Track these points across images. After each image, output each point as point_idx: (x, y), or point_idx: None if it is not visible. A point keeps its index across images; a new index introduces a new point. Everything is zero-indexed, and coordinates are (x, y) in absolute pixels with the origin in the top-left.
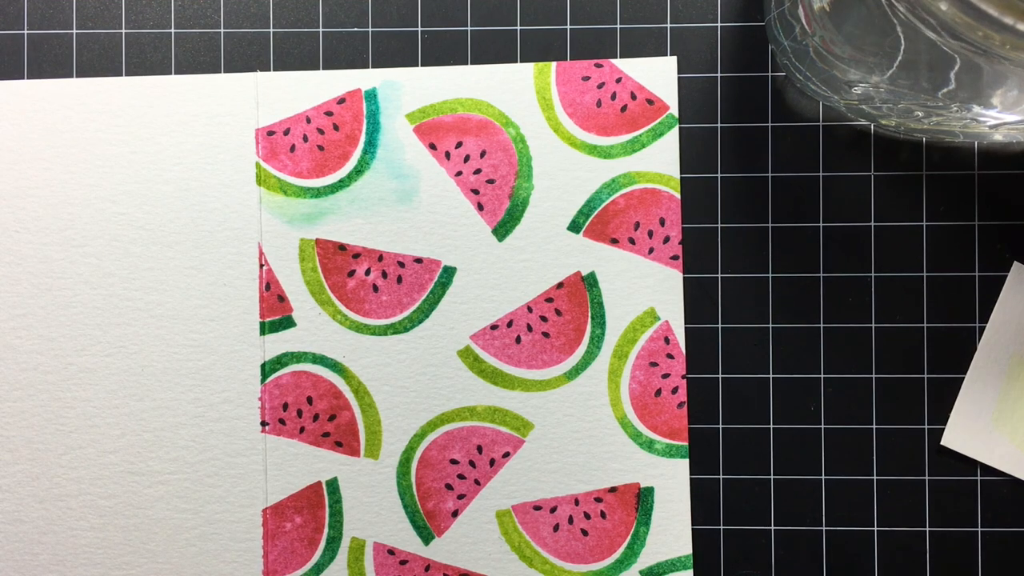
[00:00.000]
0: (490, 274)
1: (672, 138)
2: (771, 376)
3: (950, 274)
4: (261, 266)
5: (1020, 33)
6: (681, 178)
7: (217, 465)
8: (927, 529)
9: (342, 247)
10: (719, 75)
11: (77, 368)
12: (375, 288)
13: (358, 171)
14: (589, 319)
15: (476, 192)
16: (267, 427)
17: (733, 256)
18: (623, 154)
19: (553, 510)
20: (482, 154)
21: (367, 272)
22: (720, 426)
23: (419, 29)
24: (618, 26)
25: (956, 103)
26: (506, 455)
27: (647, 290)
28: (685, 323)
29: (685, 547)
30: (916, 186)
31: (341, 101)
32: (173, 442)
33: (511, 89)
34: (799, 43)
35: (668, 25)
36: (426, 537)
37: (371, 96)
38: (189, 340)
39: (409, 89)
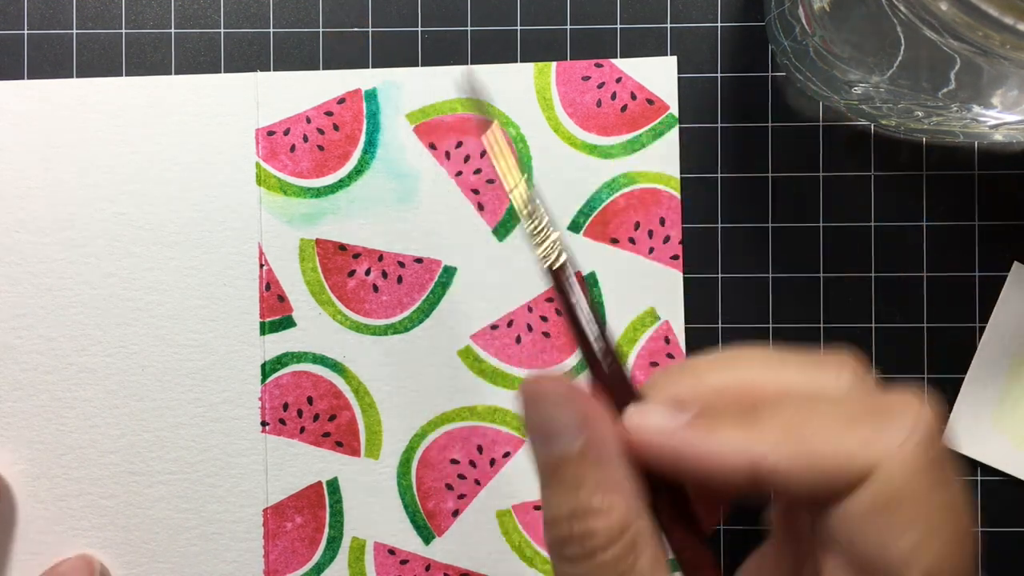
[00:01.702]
0: (490, 274)
1: (672, 138)
2: None
3: (950, 274)
4: (261, 266)
5: (1020, 33)
6: (681, 178)
7: (217, 465)
8: None
9: (342, 247)
10: (719, 75)
11: (77, 368)
12: (375, 288)
13: (358, 171)
14: None
15: (476, 192)
16: (267, 427)
17: (733, 256)
18: (623, 154)
19: None
20: (482, 154)
21: (367, 272)
22: None
23: (419, 29)
24: (618, 26)
25: (956, 103)
26: (506, 455)
27: (647, 290)
28: (685, 323)
29: None
30: (916, 186)
31: (341, 101)
32: (173, 442)
33: (511, 89)
34: (799, 43)
35: (668, 25)
36: (426, 537)
37: (371, 96)
38: (189, 340)
39: (409, 89)
